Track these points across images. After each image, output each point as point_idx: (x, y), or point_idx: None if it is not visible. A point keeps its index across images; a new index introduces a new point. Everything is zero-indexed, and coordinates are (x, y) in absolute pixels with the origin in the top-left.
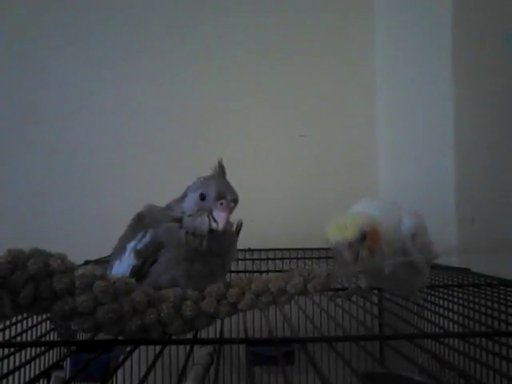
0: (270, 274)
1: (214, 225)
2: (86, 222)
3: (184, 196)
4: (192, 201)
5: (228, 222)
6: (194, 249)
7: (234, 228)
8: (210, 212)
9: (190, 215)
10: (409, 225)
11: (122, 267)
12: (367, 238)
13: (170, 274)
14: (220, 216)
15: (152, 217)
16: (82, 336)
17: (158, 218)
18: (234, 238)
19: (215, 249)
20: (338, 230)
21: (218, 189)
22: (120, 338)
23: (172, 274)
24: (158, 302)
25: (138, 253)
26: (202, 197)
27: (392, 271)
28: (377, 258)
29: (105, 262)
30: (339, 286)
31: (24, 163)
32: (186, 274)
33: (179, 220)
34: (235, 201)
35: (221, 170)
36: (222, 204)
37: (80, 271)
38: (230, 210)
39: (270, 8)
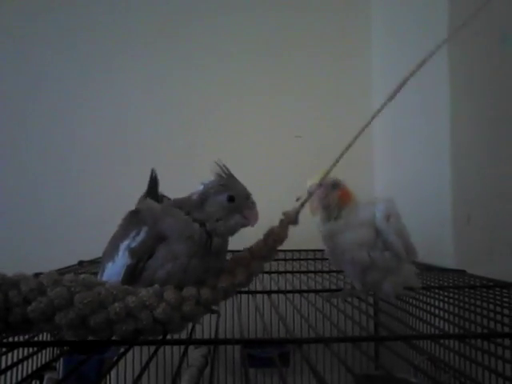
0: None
1: (245, 222)
2: (81, 222)
3: (203, 200)
4: (218, 204)
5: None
6: (202, 243)
7: None
8: (241, 212)
9: (218, 219)
10: (382, 206)
11: (115, 268)
12: (338, 189)
13: (166, 269)
14: (252, 214)
15: (151, 212)
16: None
17: (159, 213)
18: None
19: (219, 247)
20: (315, 179)
21: (243, 189)
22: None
23: (168, 269)
24: (135, 293)
25: (132, 251)
26: (231, 199)
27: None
28: (342, 213)
29: (98, 262)
30: (335, 287)
31: (18, 163)
32: (183, 269)
33: (202, 223)
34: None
35: (228, 171)
36: (252, 203)
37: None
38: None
39: (265, 7)
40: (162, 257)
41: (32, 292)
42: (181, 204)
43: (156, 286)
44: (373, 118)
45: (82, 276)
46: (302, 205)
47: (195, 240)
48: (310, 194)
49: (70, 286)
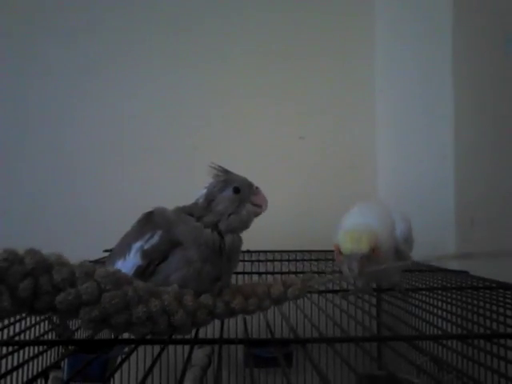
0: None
1: (258, 210)
2: (86, 223)
3: (210, 201)
4: (226, 200)
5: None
6: (216, 248)
7: None
8: (249, 201)
9: (230, 214)
10: (402, 229)
11: (125, 266)
12: (374, 251)
13: (180, 274)
14: (261, 199)
15: (165, 217)
16: (81, 335)
17: (173, 219)
18: (241, 246)
19: (231, 249)
20: (354, 241)
21: (244, 178)
22: (122, 336)
23: (183, 273)
24: (158, 295)
25: (144, 253)
26: (237, 190)
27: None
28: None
29: (103, 262)
30: (338, 288)
31: (23, 164)
32: (198, 273)
33: (215, 224)
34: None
35: (224, 168)
36: (257, 189)
37: (78, 263)
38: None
39: (269, 9)
40: (177, 261)
41: (63, 282)
42: (190, 210)
43: (175, 285)
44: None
45: (113, 270)
46: (333, 280)
47: (209, 246)
48: (350, 261)
49: (100, 281)
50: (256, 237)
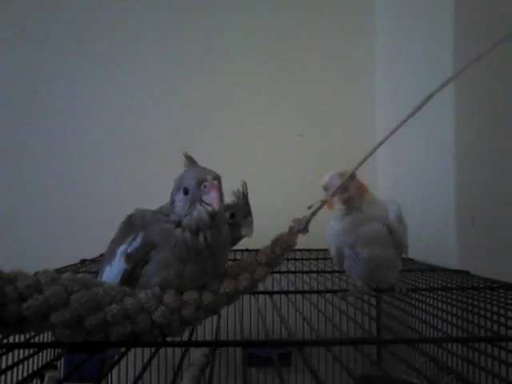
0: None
1: (209, 209)
2: (82, 221)
3: (172, 202)
4: (180, 202)
5: (221, 199)
6: (190, 247)
7: (241, 190)
8: (200, 200)
9: (186, 215)
10: (394, 208)
11: (112, 272)
12: (356, 179)
13: (161, 276)
14: (210, 197)
15: (143, 219)
16: None
17: (150, 220)
18: (228, 237)
19: (211, 244)
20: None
21: (195, 175)
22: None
23: (163, 276)
24: (133, 295)
25: (128, 257)
26: (186, 191)
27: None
28: (363, 205)
29: (100, 261)
30: (337, 288)
31: (20, 163)
32: (179, 274)
33: (179, 224)
34: (217, 178)
35: (190, 160)
36: (205, 187)
37: (42, 271)
38: (218, 188)
39: (269, 8)
40: (157, 264)
41: (28, 289)
42: (162, 209)
43: (156, 288)
44: (373, 150)
45: (80, 275)
46: (314, 213)
47: (181, 246)
48: (329, 191)
49: (67, 284)
50: (254, 235)
